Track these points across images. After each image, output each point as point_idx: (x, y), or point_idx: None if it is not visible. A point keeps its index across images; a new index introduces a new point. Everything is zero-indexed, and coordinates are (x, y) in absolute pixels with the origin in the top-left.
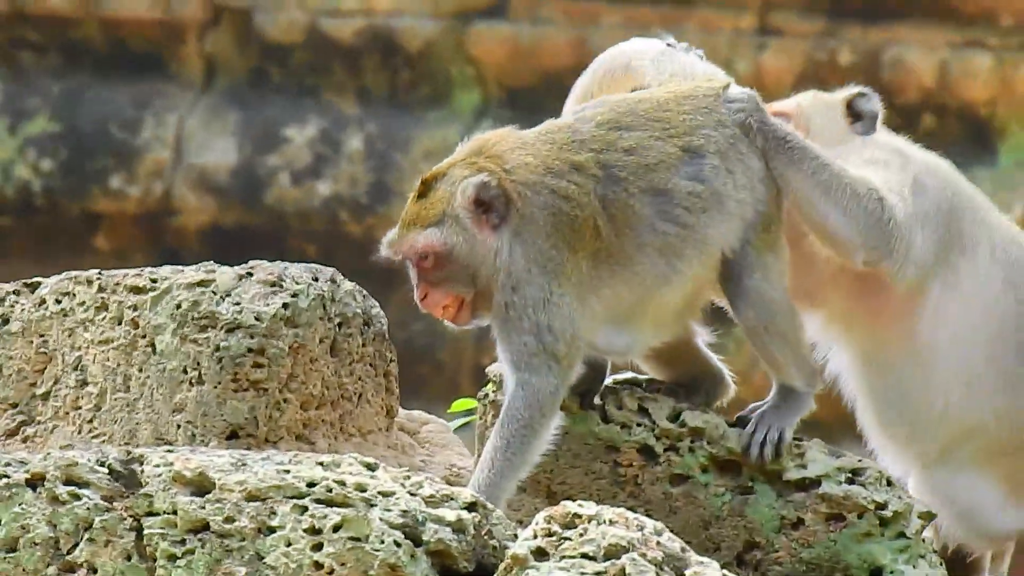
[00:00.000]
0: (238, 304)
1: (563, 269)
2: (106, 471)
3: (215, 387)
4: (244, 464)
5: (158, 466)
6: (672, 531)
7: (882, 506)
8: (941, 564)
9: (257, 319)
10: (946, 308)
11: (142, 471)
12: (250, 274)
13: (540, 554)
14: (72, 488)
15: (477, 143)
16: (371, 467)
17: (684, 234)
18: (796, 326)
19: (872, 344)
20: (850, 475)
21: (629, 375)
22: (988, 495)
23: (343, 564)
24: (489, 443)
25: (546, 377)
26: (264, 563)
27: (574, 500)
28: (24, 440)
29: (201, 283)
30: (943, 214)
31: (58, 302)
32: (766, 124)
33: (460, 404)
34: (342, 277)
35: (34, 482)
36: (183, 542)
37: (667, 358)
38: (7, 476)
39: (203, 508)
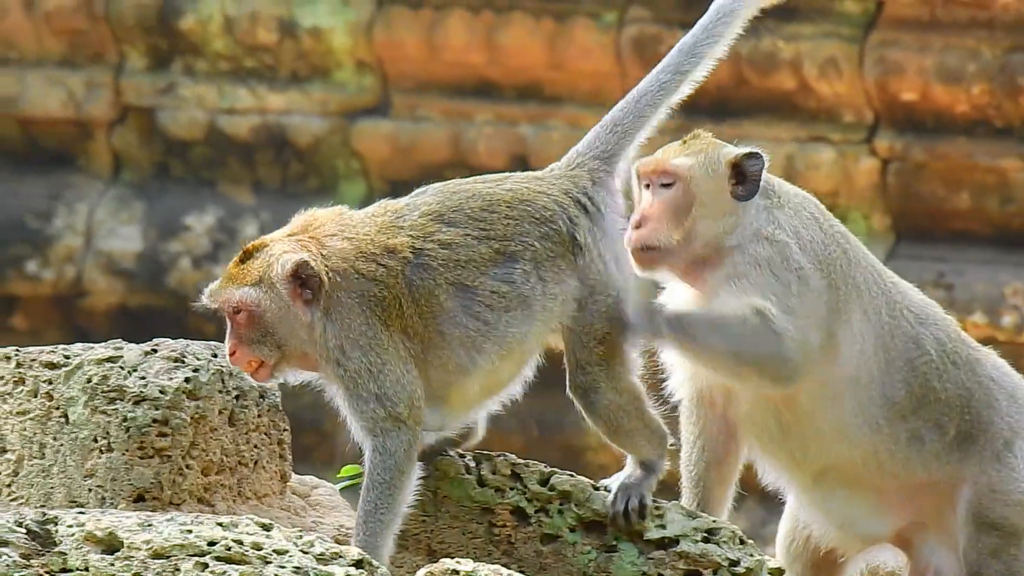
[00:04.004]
0: (144, 378)
1: (380, 342)
2: (23, 531)
3: (123, 454)
4: (150, 525)
5: (71, 526)
6: None
7: (735, 563)
8: None
9: (161, 392)
10: (825, 370)
11: (56, 531)
12: (155, 351)
13: None
14: None
15: (305, 220)
16: (267, 527)
17: (484, 330)
18: (643, 411)
19: (757, 395)
20: (706, 534)
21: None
22: (860, 508)
23: None
24: (361, 506)
25: (397, 438)
26: None
27: (452, 557)
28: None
29: (110, 359)
30: (823, 297)
31: None
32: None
33: (347, 470)
34: None
35: None
36: None
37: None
38: None
39: (113, 565)
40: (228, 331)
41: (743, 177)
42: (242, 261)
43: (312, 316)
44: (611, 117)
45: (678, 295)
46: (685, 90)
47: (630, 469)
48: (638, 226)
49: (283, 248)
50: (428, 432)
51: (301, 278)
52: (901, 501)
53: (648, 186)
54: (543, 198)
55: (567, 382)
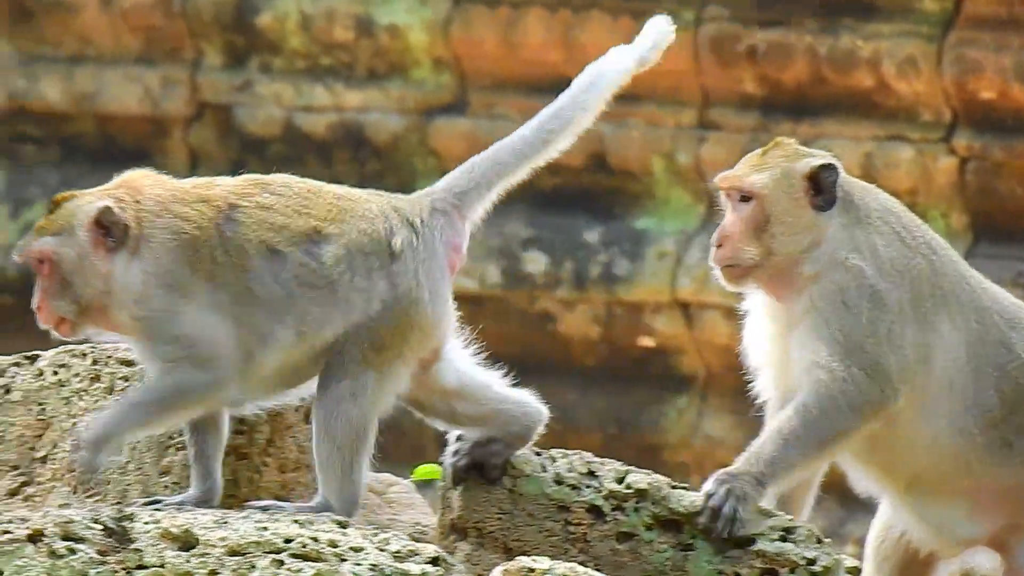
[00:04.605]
0: None
1: (184, 284)
2: (100, 528)
3: None
4: (226, 522)
5: (147, 524)
6: None
7: (812, 562)
8: None
9: None
10: (916, 381)
11: (133, 528)
12: None
13: None
14: (69, 543)
15: (122, 177)
16: (342, 524)
17: (288, 300)
18: (356, 452)
19: None
20: (783, 533)
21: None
22: (954, 513)
23: None
24: (129, 395)
25: (193, 374)
26: None
27: (528, 555)
28: (25, 499)
29: None
30: (906, 313)
31: (55, 373)
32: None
33: (423, 468)
34: None
35: (34, 538)
36: None
37: (460, 415)
38: (9, 532)
39: (188, 562)
40: (36, 285)
41: (820, 188)
42: (50, 212)
43: (113, 265)
44: (472, 160)
45: (760, 311)
46: (551, 151)
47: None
48: (720, 244)
49: (89, 198)
50: (224, 405)
51: (105, 226)
52: (995, 504)
53: (729, 199)
54: (370, 203)
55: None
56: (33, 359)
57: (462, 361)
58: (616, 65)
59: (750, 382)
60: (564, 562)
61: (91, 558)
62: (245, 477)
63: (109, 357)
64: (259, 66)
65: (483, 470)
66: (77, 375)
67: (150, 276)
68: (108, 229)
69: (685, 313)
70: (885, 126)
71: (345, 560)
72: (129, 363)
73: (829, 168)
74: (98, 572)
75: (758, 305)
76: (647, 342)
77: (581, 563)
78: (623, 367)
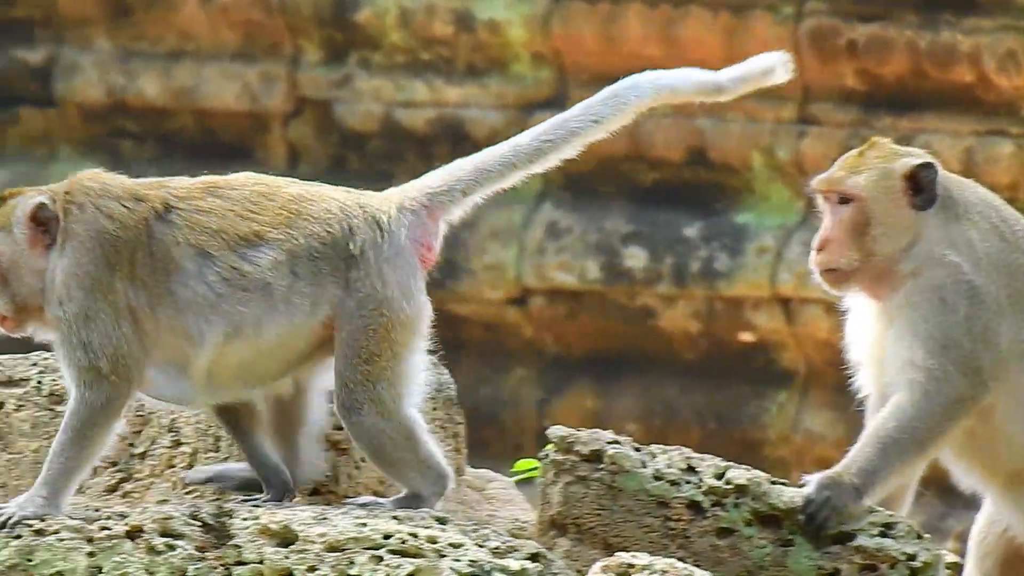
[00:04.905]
0: None
1: (101, 285)
2: (199, 524)
3: None
4: (325, 518)
5: (246, 519)
6: None
7: (912, 557)
8: None
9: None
10: (1013, 377)
11: (232, 524)
12: None
13: None
14: (168, 539)
15: (74, 175)
16: (442, 521)
17: (213, 301)
18: (415, 443)
19: None
20: (883, 529)
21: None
22: None
23: None
24: (53, 445)
25: (96, 391)
26: None
27: (628, 551)
28: (123, 496)
29: None
30: (1004, 308)
31: None
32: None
33: (522, 464)
34: None
35: (133, 534)
36: None
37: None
38: (108, 528)
39: (287, 558)
40: None
41: (919, 187)
42: None
43: (48, 262)
44: (457, 162)
45: (860, 307)
46: (550, 159)
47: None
48: (821, 248)
49: (31, 194)
50: (172, 403)
51: (42, 222)
52: None
53: (827, 202)
54: (330, 202)
55: (334, 401)
56: None
57: (324, 383)
58: (653, 83)
59: (851, 377)
60: (663, 558)
61: (190, 554)
62: (344, 473)
63: None
64: (358, 61)
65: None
66: None
67: (71, 276)
68: (46, 226)
69: (785, 308)
70: (985, 121)
71: (444, 556)
72: None
73: (927, 167)
74: (197, 568)
75: (858, 302)
76: (747, 337)
77: (680, 559)
78: (723, 362)
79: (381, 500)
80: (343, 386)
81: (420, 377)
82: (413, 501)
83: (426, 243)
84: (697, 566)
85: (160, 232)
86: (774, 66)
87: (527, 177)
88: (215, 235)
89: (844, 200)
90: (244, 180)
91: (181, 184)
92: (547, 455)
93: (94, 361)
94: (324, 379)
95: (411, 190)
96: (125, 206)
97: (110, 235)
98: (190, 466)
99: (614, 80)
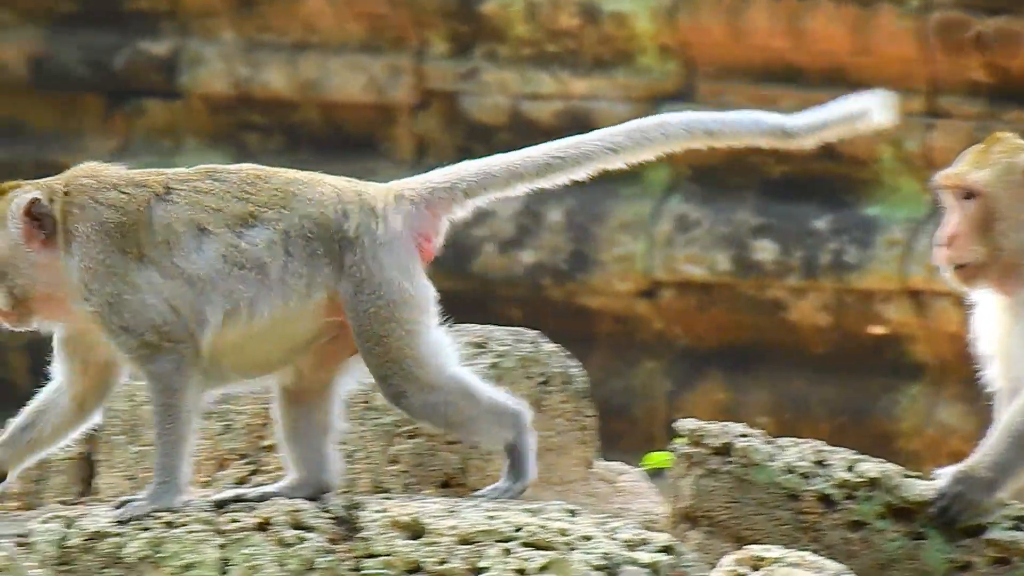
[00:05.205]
0: None
1: (116, 270)
2: (329, 517)
3: (428, 440)
4: (455, 510)
5: (376, 512)
6: (851, 573)
7: None
8: None
9: None
10: None
11: (361, 517)
12: (457, 336)
13: None
14: (298, 532)
15: (72, 169)
16: (573, 513)
17: (212, 278)
18: (474, 397)
19: None
20: (1016, 522)
21: None
22: None
23: None
24: (154, 432)
25: (159, 363)
26: None
27: (759, 544)
28: (254, 487)
29: None
30: None
31: None
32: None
33: (653, 457)
34: (545, 338)
35: (263, 526)
36: None
37: (300, 425)
38: (238, 520)
39: (417, 551)
40: None
41: None
42: None
43: (49, 257)
44: (465, 163)
45: (989, 301)
46: (557, 177)
47: (503, 475)
48: (947, 244)
49: (27, 188)
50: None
51: (36, 217)
52: None
53: (952, 198)
54: (326, 187)
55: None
56: None
57: (343, 387)
58: (685, 123)
59: (982, 370)
60: (795, 551)
61: (320, 547)
62: (474, 466)
63: None
64: (484, 54)
65: None
66: None
67: (84, 272)
68: (40, 221)
69: (916, 301)
70: None
71: (575, 549)
72: None
73: None
74: (327, 561)
75: (986, 296)
76: (878, 330)
77: (812, 552)
78: (853, 355)
79: (499, 485)
80: (378, 378)
81: (446, 345)
82: (510, 456)
83: (423, 234)
84: (830, 559)
85: (161, 210)
86: (868, 109)
87: (581, 178)
88: (213, 213)
89: (968, 195)
90: (242, 167)
91: (181, 171)
92: (677, 448)
93: (141, 338)
94: (346, 382)
95: (412, 183)
96: (124, 192)
97: (113, 223)
98: None
99: (742, 72)
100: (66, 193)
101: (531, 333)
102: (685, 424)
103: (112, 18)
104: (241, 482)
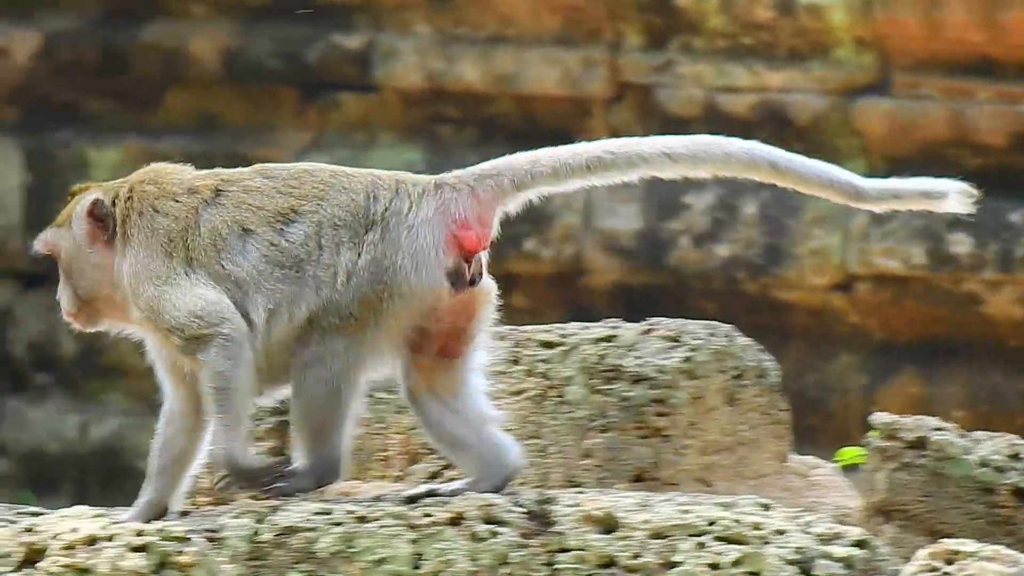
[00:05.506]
0: (641, 358)
1: (162, 273)
2: (522, 511)
3: (621, 434)
4: (648, 505)
5: (569, 506)
6: None
7: None
8: None
9: (659, 371)
10: None
11: (554, 511)
12: (651, 330)
13: None
14: (491, 527)
15: (144, 169)
16: (766, 507)
17: (256, 277)
18: (323, 421)
19: None
20: None
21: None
22: None
23: None
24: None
25: (211, 351)
26: None
27: (953, 538)
28: (446, 482)
29: (606, 338)
30: None
31: None
32: None
33: (847, 452)
34: (738, 332)
35: (456, 521)
36: None
37: (447, 431)
38: (431, 515)
39: (611, 545)
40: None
41: None
42: (65, 204)
43: (111, 258)
44: (517, 154)
45: None
46: (605, 176)
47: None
48: None
49: (93, 190)
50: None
51: (100, 218)
52: None
53: None
54: (366, 176)
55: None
56: None
57: (475, 380)
58: (748, 151)
59: None
60: (989, 545)
61: (513, 541)
62: (667, 460)
63: (528, 339)
64: (679, 47)
65: None
66: (497, 357)
67: (133, 275)
68: (103, 222)
69: None
70: None
71: (768, 543)
72: (549, 345)
73: None
74: (520, 555)
75: None
76: None
77: (1007, 546)
78: None
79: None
80: (312, 329)
81: (384, 356)
82: (296, 473)
83: (459, 220)
84: None
85: (209, 214)
86: (946, 193)
87: (611, 184)
88: (256, 212)
89: None
90: (296, 164)
91: (236, 171)
92: (871, 442)
93: (189, 331)
94: (471, 371)
95: (461, 172)
96: (178, 201)
97: (163, 229)
98: None
99: (938, 65)
100: (128, 198)
101: (725, 327)
102: (880, 418)
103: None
104: (434, 476)
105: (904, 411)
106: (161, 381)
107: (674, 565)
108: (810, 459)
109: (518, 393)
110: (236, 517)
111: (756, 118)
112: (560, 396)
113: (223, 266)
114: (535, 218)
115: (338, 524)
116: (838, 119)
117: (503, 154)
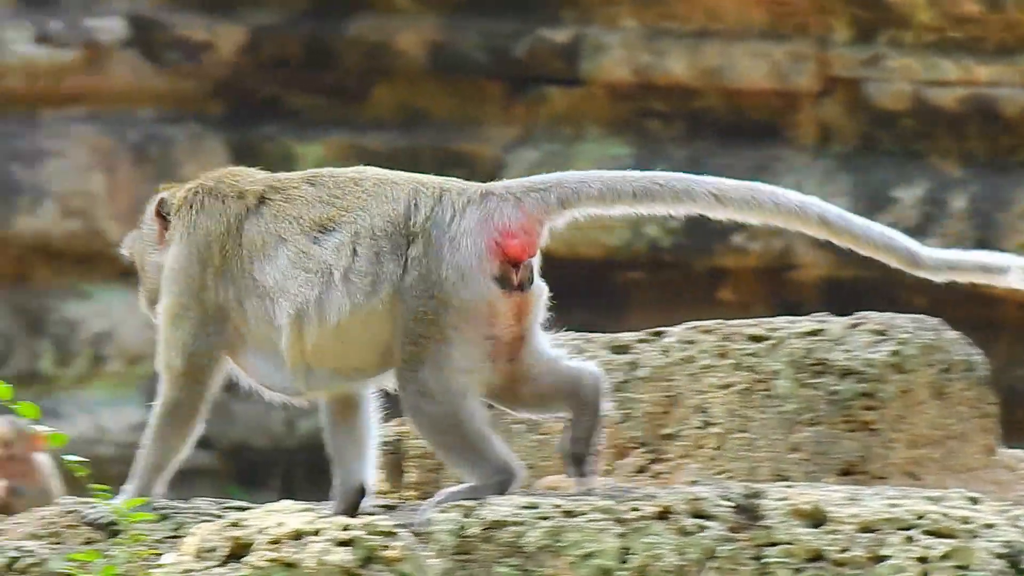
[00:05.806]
0: (849, 351)
1: (193, 284)
2: (730, 505)
3: (829, 427)
4: (856, 498)
5: (777, 500)
6: None
7: None
8: None
9: (868, 365)
10: None
11: (762, 505)
12: (859, 324)
13: None
14: (699, 521)
15: (219, 170)
16: (975, 501)
17: (281, 283)
18: (462, 433)
19: None
20: None
21: None
22: None
23: None
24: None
25: (172, 391)
26: None
27: None
28: (653, 476)
29: (814, 332)
30: None
31: (683, 349)
32: None
33: None
34: (946, 326)
35: (663, 515)
36: (800, 571)
37: (522, 396)
38: (638, 509)
39: (819, 539)
40: None
41: None
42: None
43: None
44: (570, 172)
45: None
46: (652, 206)
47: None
48: None
49: (166, 190)
50: (281, 393)
51: (165, 218)
52: None
53: None
54: (409, 184)
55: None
56: (660, 335)
57: (539, 342)
58: (802, 205)
59: None
60: None
61: (721, 535)
62: (875, 453)
63: (736, 333)
64: (888, 40)
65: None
66: (704, 351)
67: (168, 272)
68: (169, 220)
69: None
70: None
71: (977, 537)
72: (757, 339)
73: None
74: (727, 549)
75: None
76: None
77: None
78: None
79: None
80: (399, 367)
81: (474, 368)
82: (470, 492)
83: (504, 230)
84: None
85: (249, 224)
86: (1008, 269)
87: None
88: (293, 221)
89: None
90: (347, 169)
91: (286, 176)
92: None
93: (174, 360)
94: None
95: (511, 182)
96: (224, 203)
97: (203, 231)
98: (719, 447)
99: None
100: (184, 196)
101: (933, 321)
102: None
103: (512, 5)
104: (641, 471)
105: None
106: None
107: (883, 559)
108: (1019, 452)
109: (726, 387)
110: (444, 512)
111: (964, 112)
112: (768, 390)
113: (255, 277)
114: None
115: (545, 518)
116: None
117: (712, 149)
